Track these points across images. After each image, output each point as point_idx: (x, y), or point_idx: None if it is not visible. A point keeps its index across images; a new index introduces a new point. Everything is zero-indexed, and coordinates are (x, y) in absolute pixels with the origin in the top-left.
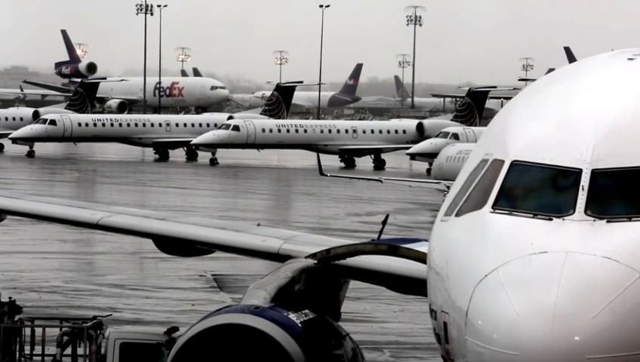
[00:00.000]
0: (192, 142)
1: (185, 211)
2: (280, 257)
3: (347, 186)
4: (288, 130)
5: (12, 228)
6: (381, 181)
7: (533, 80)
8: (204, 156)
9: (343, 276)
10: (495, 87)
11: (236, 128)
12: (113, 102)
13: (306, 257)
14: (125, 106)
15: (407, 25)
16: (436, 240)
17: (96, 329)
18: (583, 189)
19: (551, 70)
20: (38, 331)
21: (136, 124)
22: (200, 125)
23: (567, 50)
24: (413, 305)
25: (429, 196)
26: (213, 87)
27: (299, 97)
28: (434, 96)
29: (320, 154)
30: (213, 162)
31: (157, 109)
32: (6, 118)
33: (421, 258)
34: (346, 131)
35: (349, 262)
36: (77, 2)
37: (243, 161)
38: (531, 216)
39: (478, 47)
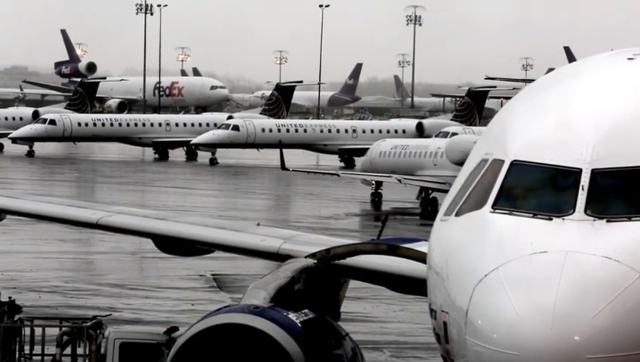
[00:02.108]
0: (191, 142)
1: (185, 211)
2: (280, 257)
3: (347, 186)
4: (288, 130)
5: (12, 228)
6: (339, 175)
7: (504, 79)
8: (203, 156)
9: (343, 276)
10: (495, 87)
11: (236, 128)
12: (113, 102)
13: (305, 257)
14: (125, 106)
15: (407, 25)
16: (436, 239)
17: (95, 329)
18: (582, 189)
19: (551, 70)
20: (38, 331)
21: (135, 124)
22: (200, 125)
23: (567, 50)
24: (413, 304)
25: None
26: (212, 87)
27: (299, 97)
28: (434, 95)
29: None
30: (213, 162)
31: (157, 109)
32: (6, 118)
33: (421, 258)
34: (346, 131)
35: (348, 261)
36: (77, 2)
37: (243, 161)
38: (531, 215)
39: (478, 47)
